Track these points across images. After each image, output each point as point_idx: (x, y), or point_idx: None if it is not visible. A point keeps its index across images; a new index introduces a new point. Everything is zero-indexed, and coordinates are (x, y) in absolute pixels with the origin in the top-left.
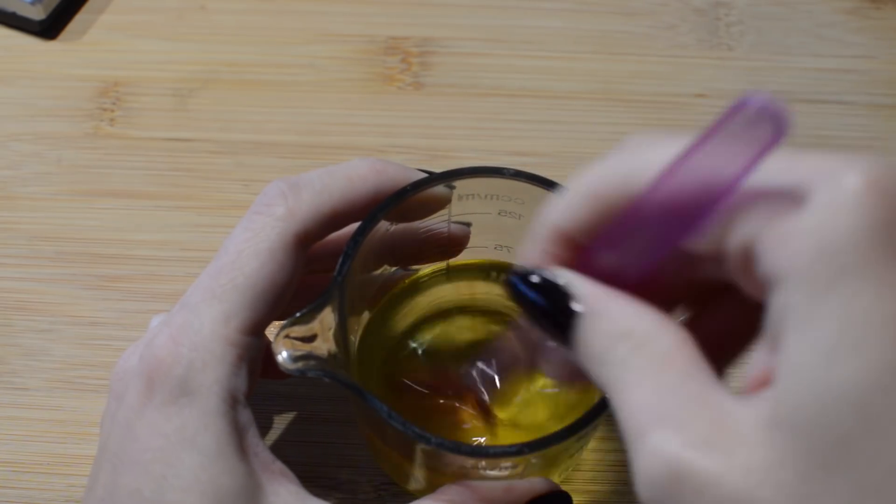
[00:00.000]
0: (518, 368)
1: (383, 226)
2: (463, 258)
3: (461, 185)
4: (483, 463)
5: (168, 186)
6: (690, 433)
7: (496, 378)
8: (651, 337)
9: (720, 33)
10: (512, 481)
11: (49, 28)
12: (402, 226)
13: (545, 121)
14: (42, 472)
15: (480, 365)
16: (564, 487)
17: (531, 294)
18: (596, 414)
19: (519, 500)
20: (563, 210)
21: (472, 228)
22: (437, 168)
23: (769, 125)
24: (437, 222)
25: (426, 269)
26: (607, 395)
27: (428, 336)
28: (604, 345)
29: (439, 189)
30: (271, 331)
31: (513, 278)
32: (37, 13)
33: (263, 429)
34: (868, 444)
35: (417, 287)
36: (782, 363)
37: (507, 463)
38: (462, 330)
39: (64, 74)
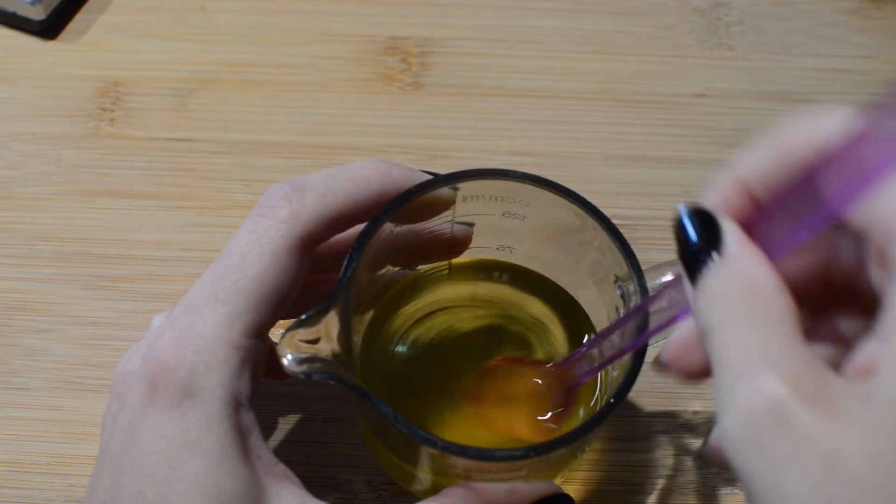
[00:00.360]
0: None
1: (387, 227)
2: (465, 258)
3: (466, 186)
4: (488, 465)
5: (168, 186)
6: (800, 384)
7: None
8: (768, 295)
9: (720, 33)
10: (515, 484)
11: (49, 28)
12: (405, 227)
13: (545, 121)
14: (42, 472)
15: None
16: (565, 488)
17: (689, 221)
18: (601, 418)
19: (522, 503)
20: (749, 159)
21: (475, 229)
22: (438, 168)
23: None
24: (440, 223)
25: (428, 268)
26: (708, 336)
27: (430, 336)
28: (725, 286)
29: (444, 191)
30: (276, 332)
31: (680, 206)
32: (37, 13)
33: (263, 429)
34: None
35: (420, 286)
36: (890, 351)
37: (511, 466)
38: (464, 330)
39: (64, 74)
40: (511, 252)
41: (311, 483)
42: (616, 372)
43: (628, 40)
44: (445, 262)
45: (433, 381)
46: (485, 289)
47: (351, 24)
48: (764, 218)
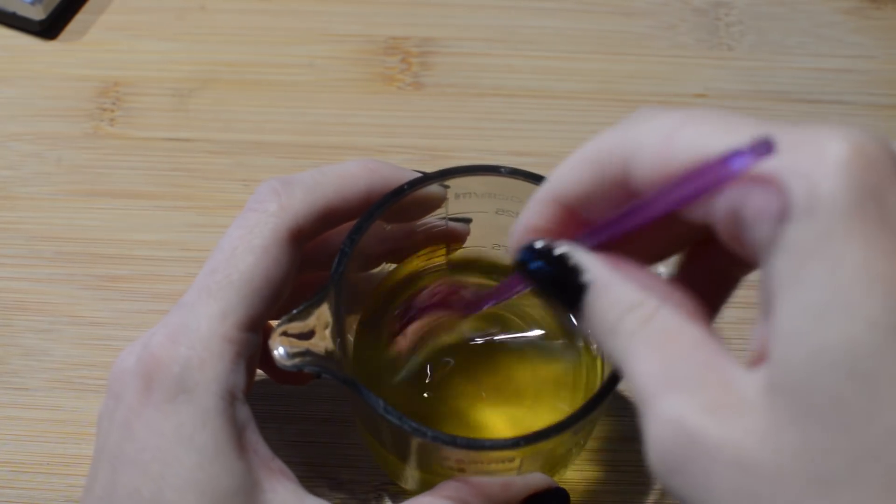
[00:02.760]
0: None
1: (380, 225)
2: (460, 256)
3: (458, 183)
4: (479, 456)
5: (168, 186)
6: (698, 398)
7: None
8: (658, 310)
9: (720, 33)
10: (510, 477)
11: (49, 28)
12: (399, 225)
13: (545, 121)
14: (42, 472)
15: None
16: (563, 485)
17: (538, 267)
18: (590, 408)
19: (517, 497)
20: (562, 179)
21: (469, 226)
22: (437, 169)
23: (758, 153)
24: (433, 221)
25: (423, 266)
26: (617, 366)
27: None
28: (612, 317)
29: (434, 188)
30: None
31: (520, 253)
32: (37, 13)
33: (263, 429)
34: (864, 405)
35: (414, 284)
36: (775, 329)
37: (503, 456)
38: (457, 327)
39: (64, 74)
40: (507, 250)
41: (311, 483)
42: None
43: (628, 40)
44: (442, 260)
45: (426, 379)
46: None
47: (350, 24)
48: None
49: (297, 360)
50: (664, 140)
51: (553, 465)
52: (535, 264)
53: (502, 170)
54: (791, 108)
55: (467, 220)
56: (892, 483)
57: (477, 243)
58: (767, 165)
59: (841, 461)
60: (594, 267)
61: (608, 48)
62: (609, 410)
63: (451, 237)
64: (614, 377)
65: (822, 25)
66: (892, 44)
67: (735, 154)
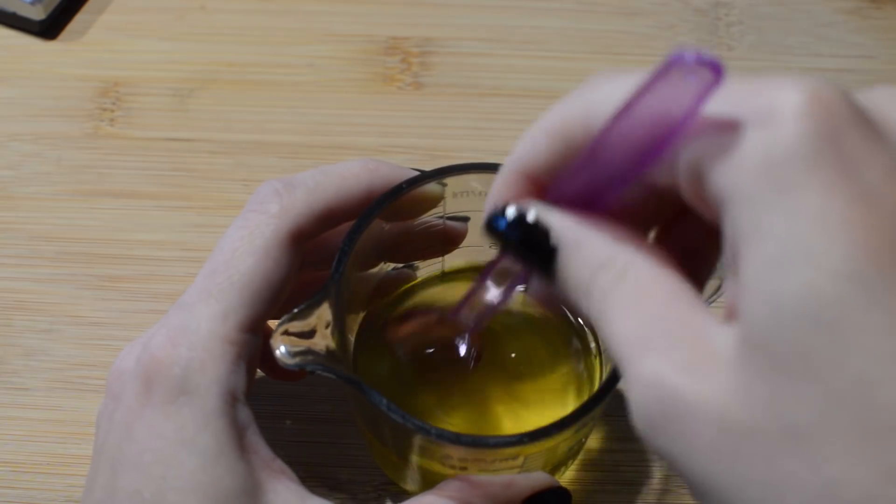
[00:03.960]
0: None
1: (379, 223)
2: (457, 256)
3: (455, 182)
4: (483, 454)
5: (168, 186)
6: (675, 357)
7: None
8: (630, 265)
9: (720, 33)
10: (512, 476)
11: (49, 28)
12: (397, 224)
13: None
14: (42, 472)
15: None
16: (564, 485)
17: (508, 231)
18: (592, 405)
19: (519, 496)
20: (526, 150)
21: (468, 224)
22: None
23: (708, 71)
24: (431, 219)
25: (421, 267)
26: (596, 328)
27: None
28: (584, 276)
29: (430, 187)
30: None
31: (489, 217)
32: (37, 13)
33: (264, 429)
34: (830, 355)
35: (413, 285)
36: (740, 284)
37: (506, 454)
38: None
39: (64, 74)
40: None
41: (311, 483)
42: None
43: (628, 40)
44: (439, 261)
45: (426, 379)
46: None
47: (351, 24)
48: (563, 192)
49: (298, 359)
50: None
51: (555, 463)
52: (502, 227)
53: (498, 167)
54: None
55: (465, 220)
56: (863, 431)
57: (474, 242)
58: (724, 114)
59: (811, 412)
60: (562, 224)
61: (608, 48)
62: (608, 410)
63: (449, 236)
64: (615, 374)
65: (822, 25)
66: (892, 44)
67: (679, 56)
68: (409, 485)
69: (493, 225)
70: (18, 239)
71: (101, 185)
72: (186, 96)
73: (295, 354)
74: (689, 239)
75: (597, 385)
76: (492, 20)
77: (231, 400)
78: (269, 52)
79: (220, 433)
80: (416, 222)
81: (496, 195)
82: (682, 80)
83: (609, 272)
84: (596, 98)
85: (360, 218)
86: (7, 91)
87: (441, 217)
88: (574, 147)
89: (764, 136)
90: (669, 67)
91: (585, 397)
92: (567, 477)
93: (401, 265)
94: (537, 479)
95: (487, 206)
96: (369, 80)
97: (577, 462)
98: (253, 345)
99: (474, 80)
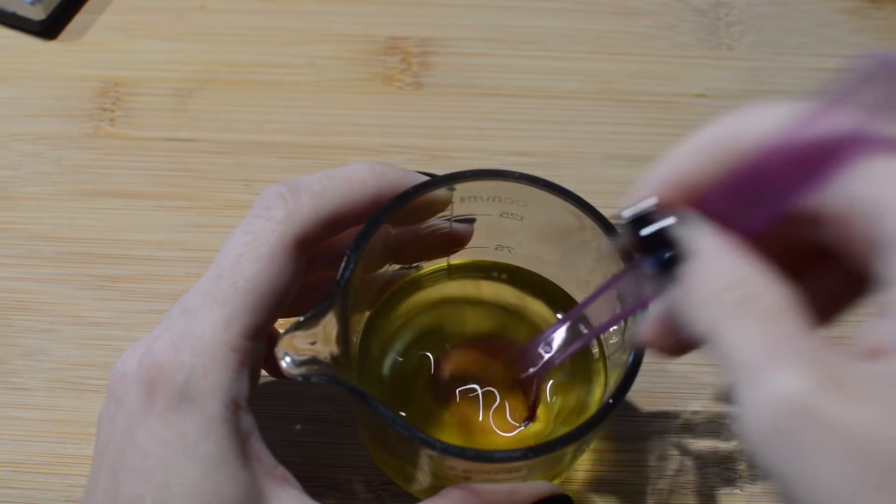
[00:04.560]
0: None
1: (386, 227)
2: (463, 257)
3: (464, 187)
4: (488, 466)
5: (168, 186)
6: (815, 374)
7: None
8: (761, 292)
9: (720, 33)
10: (514, 484)
11: (49, 28)
12: (403, 227)
13: (545, 121)
14: (42, 472)
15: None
16: (564, 488)
17: (648, 228)
18: (600, 419)
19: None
20: (675, 160)
21: (473, 226)
22: (438, 168)
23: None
24: (438, 222)
25: (427, 269)
26: (710, 338)
27: (427, 336)
28: (712, 289)
29: (440, 192)
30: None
31: (629, 212)
32: (37, 13)
33: (263, 429)
34: None
35: (418, 285)
36: None
37: (510, 467)
38: (460, 328)
39: (64, 74)
40: (510, 252)
41: (311, 483)
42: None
43: (628, 40)
44: (444, 263)
45: (430, 380)
46: (483, 289)
47: (351, 24)
48: (711, 207)
49: (304, 369)
50: (778, 125)
51: (558, 471)
52: (642, 225)
53: (509, 175)
54: None
55: (471, 220)
56: None
57: (480, 244)
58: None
59: None
60: (706, 234)
61: (608, 48)
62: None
63: (455, 238)
64: (623, 386)
65: (822, 25)
66: (893, 44)
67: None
68: (412, 487)
69: (634, 220)
70: (18, 239)
71: (101, 185)
72: (186, 96)
73: (300, 364)
74: (817, 289)
75: (599, 390)
76: (492, 20)
77: (234, 407)
78: (269, 52)
79: (222, 440)
80: (423, 225)
81: (641, 196)
82: (865, 95)
83: (737, 291)
84: (750, 121)
85: (368, 224)
86: (7, 91)
87: (448, 219)
88: (723, 166)
89: None
90: (874, 71)
91: (590, 397)
92: (567, 477)
93: (406, 266)
94: (540, 487)
95: (629, 207)
96: (369, 80)
97: (578, 463)
98: (256, 351)
99: (474, 80)
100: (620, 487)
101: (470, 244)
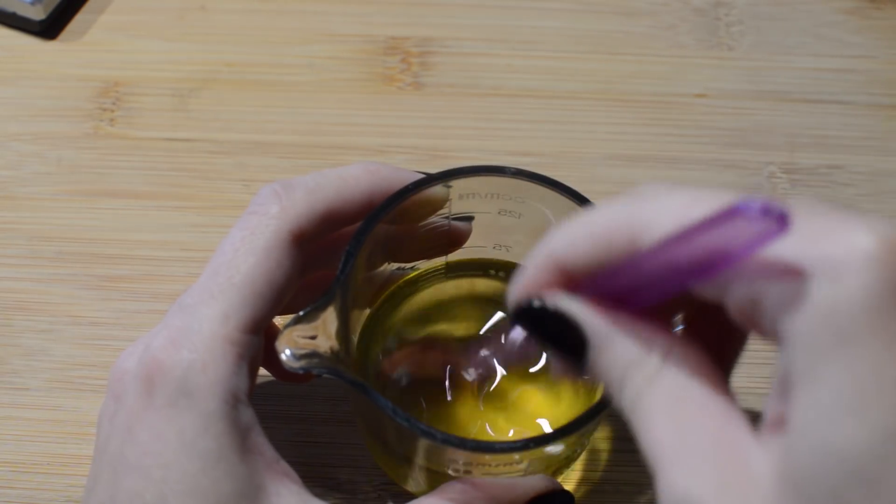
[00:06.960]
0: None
1: (384, 226)
2: (461, 256)
3: (461, 184)
4: (488, 458)
5: (168, 186)
6: (708, 475)
7: (495, 367)
8: (663, 366)
9: (720, 33)
10: (514, 479)
11: (49, 28)
12: (402, 225)
13: (545, 121)
14: (42, 472)
15: (480, 354)
16: (565, 485)
17: (538, 322)
18: (599, 410)
19: (521, 498)
20: (563, 244)
21: (472, 224)
22: (436, 168)
23: (774, 222)
24: (436, 220)
25: (425, 268)
26: (628, 423)
27: (426, 333)
28: (616, 373)
29: (438, 189)
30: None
31: (519, 309)
32: (37, 13)
33: (263, 429)
34: None
35: (416, 284)
36: (791, 418)
37: (511, 458)
38: (458, 325)
39: (64, 74)
40: (508, 251)
41: (311, 483)
42: None
43: (628, 40)
44: (442, 263)
45: (429, 378)
46: (481, 287)
47: (350, 24)
48: (596, 290)
49: (304, 363)
50: (675, 220)
51: (558, 465)
52: (536, 320)
53: (506, 170)
54: (791, 108)
55: (469, 219)
56: None
57: (478, 243)
58: (790, 253)
59: None
60: (591, 320)
61: (608, 48)
62: (610, 411)
63: (454, 236)
64: None
65: (822, 25)
66: (892, 44)
67: (745, 206)
68: (411, 485)
69: (524, 314)
70: (18, 239)
71: (100, 185)
72: (186, 96)
73: (300, 357)
74: (718, 329)
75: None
76: (492, 20)
77: (233, 401)
78: (268, 53)
79: (220, 436)
80: (421, 223)
81: (527, 282)
82: (744, 225)
83: (641, 371)
84: (646, 212)
85: (366, 221)
86: (7, 91)
87: (447, 217)
88: (615, 253)
89: (831, 287)
90: (733, 214)
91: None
92: (568, 477)
93: (405, 265)
94: (540, 481)
95: (516, 292)
96: (369, 80)
97: (578, 462)
98: (255, 345)
99: (474, 80)
100: (620, 487)
101: (468, 244)
